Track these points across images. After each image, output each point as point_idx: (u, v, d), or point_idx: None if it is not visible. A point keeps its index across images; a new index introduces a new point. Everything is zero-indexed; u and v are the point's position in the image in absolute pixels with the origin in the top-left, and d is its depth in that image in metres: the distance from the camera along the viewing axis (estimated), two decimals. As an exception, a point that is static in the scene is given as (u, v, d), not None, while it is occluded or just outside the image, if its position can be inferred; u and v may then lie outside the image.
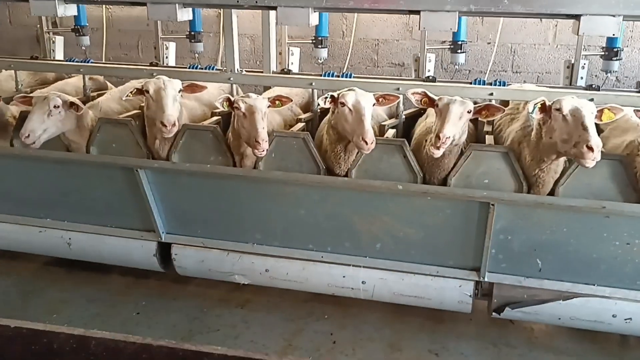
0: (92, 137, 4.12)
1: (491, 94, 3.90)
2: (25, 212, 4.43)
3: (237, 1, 3.06)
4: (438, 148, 3.26)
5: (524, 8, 2.73)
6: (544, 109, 3.27)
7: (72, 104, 3.92)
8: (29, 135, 3.72)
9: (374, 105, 3.60)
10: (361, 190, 3.61)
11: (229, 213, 4.01)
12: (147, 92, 3.77)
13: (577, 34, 2.73)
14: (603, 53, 5.07)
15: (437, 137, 3.25)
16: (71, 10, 3.47)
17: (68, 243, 4.39)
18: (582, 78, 5.37)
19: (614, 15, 2.65)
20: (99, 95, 4.96)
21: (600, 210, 3.20)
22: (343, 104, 3.49)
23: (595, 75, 6.20)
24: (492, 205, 3.38)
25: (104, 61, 6.82)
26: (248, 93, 3.82)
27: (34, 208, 4.41)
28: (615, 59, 5.02)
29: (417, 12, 2.87)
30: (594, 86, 4.90)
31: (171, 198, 4.05)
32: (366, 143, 3.35)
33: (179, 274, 4.42)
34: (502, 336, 4.09)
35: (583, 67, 5.36)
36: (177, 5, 3.18)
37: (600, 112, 3.25)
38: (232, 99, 3.70)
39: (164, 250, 4.31)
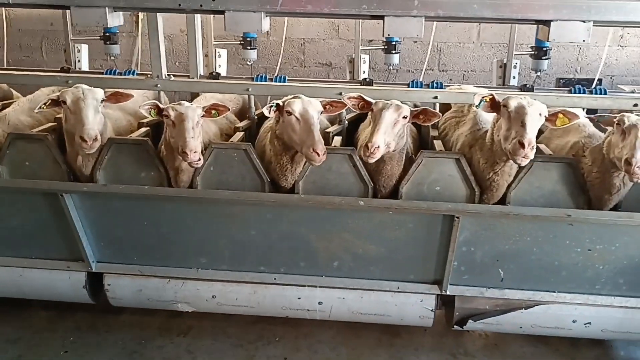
0: (0, 154, 3.59)
1: (436, 97, 3.81)
2: None
3: (179, 5, 2.71)
4: (368, 157, 3.10)
5: (494, 13, 2.61)
6: (494, 105, 3.20)
7: (-25, 117, 3.41)
8: None
9: (321, 113, 3.38)
10: (319, 207, 3.37)
11: (170, 237, 3.63)
12: (64, 103, 3.33)
13: (547, 40, 2.65)
14: (533, 52, 5.13)
15: (366, 146, 3.09)
16: (-25, 13, 2.96)
17: (-21, 279, 3.83)
18: (514, 77, 5.44)
19: (584, 21, 2.59)
20: (5, 106, 4.38)
21: (565, 218, 3.16)
22: (290, 113, 3.23)
23: (519, 73, 6.31)
24: (457, 218, 3.26)
25: (5, 65, 6.11)
26: (181, 101, 3.47)
27: None
28: (544, 58, 5.09)
29: (381, 17, 2.67)
30: (527, 86, 4.95)
31: (102, 223, 3.61)
32: (318, 154, 3.12)
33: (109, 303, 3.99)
34: (460, 345, 4.03)
35: (515, 67, 5.43)
36: (107, 9, 2.77)
37: (554, 116, 3.21)
38: (162, 106, 3.35)
39: (95, 281, 3.86)
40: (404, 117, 3.23)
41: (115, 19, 2.89)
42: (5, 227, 3.70)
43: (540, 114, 3.08)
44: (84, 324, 4.15)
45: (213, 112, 3.43)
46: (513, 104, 3.07)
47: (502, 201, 3.43)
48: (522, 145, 2.89)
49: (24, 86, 4.92)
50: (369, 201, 3.34)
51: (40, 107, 3.43)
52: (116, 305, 3.96)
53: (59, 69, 5.04)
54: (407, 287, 3.63)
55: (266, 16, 2.78)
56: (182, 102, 3.40)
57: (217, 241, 3.63)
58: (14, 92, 5.05)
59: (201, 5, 2.72)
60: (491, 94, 3.20)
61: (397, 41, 5.45)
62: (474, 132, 3.65)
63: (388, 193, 3.59)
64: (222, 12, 2.74)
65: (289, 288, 3.71)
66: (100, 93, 3.40)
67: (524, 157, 2.93)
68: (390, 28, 2.69)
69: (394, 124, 3.19)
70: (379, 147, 3.07)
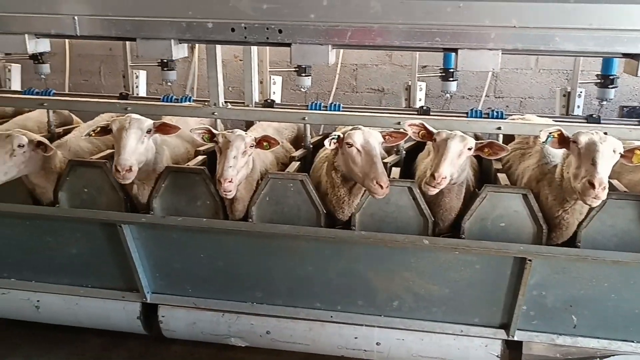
0: (61, 181, 3.63)
1: (499, 128, 3.64)
2: (-15, 271, 3.89)
3: (245, 37, 2.66)
4: (434, 187, 2.98)
5: (577, 46, 2.45)
6: (562, 140, 3.02)
7: (39, 143, 3.44)
8: (-15, 177, 3.21)
9: (381, 144, 3.27)
10: (381, 245, 3.25)
11: (225, 269, 3.57)
12: (111, 131, 3.31)
13: (637, 75, 2.48)
14: (599, 81, 4.91)
15: (432, 176, 2.96)
16: (43, 45, 2.98)
17: (36, 306, 3.87)
18: (579, 107, 5.22)
19: (679, 53, 2.41)
20: (65, 132, 4.45)
21: (648, 263, 2.95)
22: (350, 145, 3.14)
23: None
24: (529, 260, 3.08)
25: (66, 90, 6.25)
26: (235, 129, 3.42)
27: (-4, 267, 3.87)
28: (611, 86, 4.86)
29: (454, 50, 2.55)
30: (594, 116, 4.71)
31: (159, 255, 3.59)
32: (381, 187, 3.01)
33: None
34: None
35: (580, 95, 5.21)
36: (172, 41, 2.76)
37: (630, 153, 3.00)
38: (214, 132, 3.29)
39: (149, 312, 3.84)
40: (469, 149, 3.12)
41: (180, 51, 2.86)
42: (64, 255, 3.72)
43: (614, 151, 2.89)
44: (136, 353, 4.10)
45: (265, 144, 3.36)
46: (583, 140, 2.90)
47: (572, 240, 3.23)
48: (592, 185, 2.72)
49: (84, 112, 4.99)
50: (434, 240, 3.19)
51: (88, 134, 3.43)
52: (169, 337, 3.90)
53: (118, 94, 5.10)
54: (472, 330, 3.46)
55: (333, 49, 2.70)
56: (236, 130, 3.34)
57: (272, 275, 3.55)
58: (74, 117, 5.14)
59: (267, 38, 2.66)
60: (559, 129, 3.02)
61: (454, 68, 5.31)
62: (541, 166, 3.47)
63: (447, 227, 3.45)
64: (288, 45, 2.68)
65: (345, 327, 3.59)
66: (146, 123, 3.33)
67: (594, 198, 2.75)
68: (463, 61, 2.57)
69: (458, 155, 3.08)
70: (445, 177, 2.96)
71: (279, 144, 3.41)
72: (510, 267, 3.18)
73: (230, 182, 3.06)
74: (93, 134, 3.41)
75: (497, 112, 4.37)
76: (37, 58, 5.25)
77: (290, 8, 2.66)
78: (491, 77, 6.66)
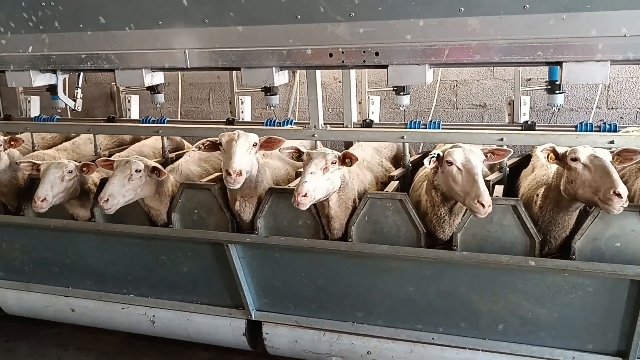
0: (173, 203, 3.87)
1: (612, 142, 3.43)
2: (108, 288, 4.22)
3: (342, 61, 2.73)
4: (623, 206, 2.77)
5: None
6: None
7: (154, 168, 3.69)
8: (107, 199, 3.48)
9: (483, 161, 3.19)
10: (484, 266, 3.16)
11: (326, 289, 3.63)
12: (221, 145, 3.46)
13: None
14: None
15: (618, 195, 2.74)
16: (158, 78, 3.24)
17: (152, 321, 4.13)
18: None
19: None
20: (178, 157, 4.75)
21: None
22: (450, 163, 3.09)
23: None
24: (649, 284, 2.86)
25: (178, 117, 6.69)
26: (324, 148, 3.47)
27: (117, 284, 4.18)
28: None
29: (559, 64, 2.46)
30: None
31: (263, 273, 3.72)
32: (483, 206, 2.92)
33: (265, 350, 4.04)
34: None
35: None
36: (273, 69, 2.89)
37: None
38: (302, 150, 3.35)
39: (254, 329, 3.96)
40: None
41: (282, 77, 2.99)
42: (177, 273, 3.95)
43: None
44: (242, 368, 4.27)
45: (347, 161, 3.32)
46: None
47: (700, 262, 2.97)
48: None
49: (196, 138, 5.30)
50: (541, 261, 3.05)
51: (198, 147, 3.58)
52: (273, 354, 4.01)
53: (225, 120, 5.37)
54: (585, 357, 3.25)
55: (430, 68, 2.70)
56: (323, 148, 3.39)
57: (373, 295, 3.55)
58: (186, 142, 5.48)
59: (364, 61, 2.71)
60: None
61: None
62: (662, 182, 3.23)
63: (558, 246, 3.28)
64: (385, 67, 2.71)
65: (448, 349, 3.50)
66: (253, 137, 3.46)
67: None
68: (569, 75, 2.46)
69: None
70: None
71: (357, 160, 3.34)
72: (627, 290, 2.97)
73: (304, 196, 3.04)
74: (202, 147, 3.56)
75: (610, 124, 4.14)
76: (153, 89, 5.66)
77: (386, 30, 2.69)
78: (602, 87, 6.28)
